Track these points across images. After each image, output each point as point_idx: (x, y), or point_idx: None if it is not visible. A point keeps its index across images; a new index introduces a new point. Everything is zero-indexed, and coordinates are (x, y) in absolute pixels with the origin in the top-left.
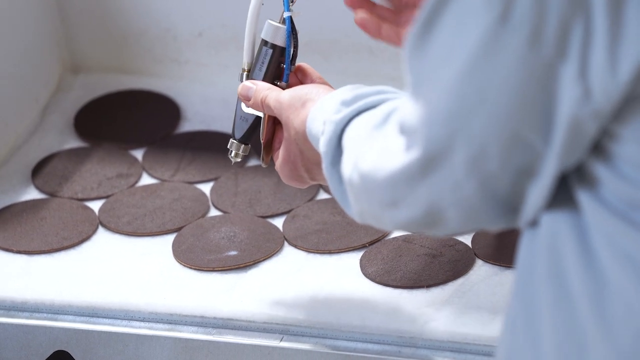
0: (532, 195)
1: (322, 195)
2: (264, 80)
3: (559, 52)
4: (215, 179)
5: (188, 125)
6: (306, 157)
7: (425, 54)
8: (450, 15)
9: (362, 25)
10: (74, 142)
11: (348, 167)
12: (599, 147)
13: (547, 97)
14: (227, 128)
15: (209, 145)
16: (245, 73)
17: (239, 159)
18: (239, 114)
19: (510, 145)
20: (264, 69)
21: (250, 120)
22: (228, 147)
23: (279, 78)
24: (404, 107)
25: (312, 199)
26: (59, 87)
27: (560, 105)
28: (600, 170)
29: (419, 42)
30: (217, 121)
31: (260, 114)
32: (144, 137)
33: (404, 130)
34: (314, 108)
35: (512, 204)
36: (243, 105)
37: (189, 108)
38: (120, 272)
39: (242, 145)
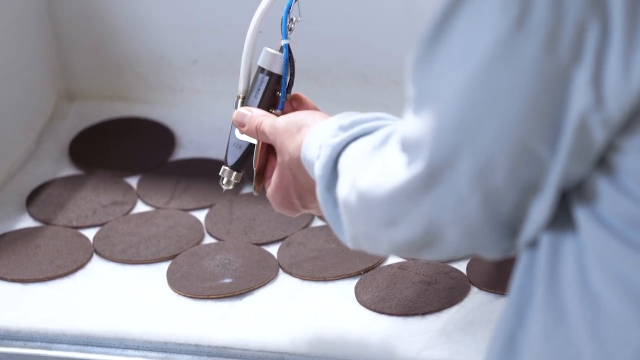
0: (534, 212)
1: (317, 223)
2: (259, 107)
3: (573, 57)
4: (210, 207)
5: (183, 152)
6: (299, 183)
7: (434, 60)
8: (463, 19)
9: None
10: (68, 170)
11: (345, 188)
12: (602, 160)
13: (558, 104)
14: (222, 155)
15: (203, 172)
16: (240, 100)
17: (230, 187)
18: (232, 141)
19: (518, 157)
20: (259, 96)
21: (244, 147)
22: (220, 174)
23: (274, 106)
24: (405, 125)
25: (306, 226)
26: (53, 114)
27: (570, 111)
28: (601, 183)
29: (427, 50)
30: (212, 148)
31: (254, 141)
32: (138, 164)
33: (405, 146)
34: (309, 133)
35: (513, 226)
36: (237, 132)
37: (183, 135)
38: (114, 300)
39: (234, 173)
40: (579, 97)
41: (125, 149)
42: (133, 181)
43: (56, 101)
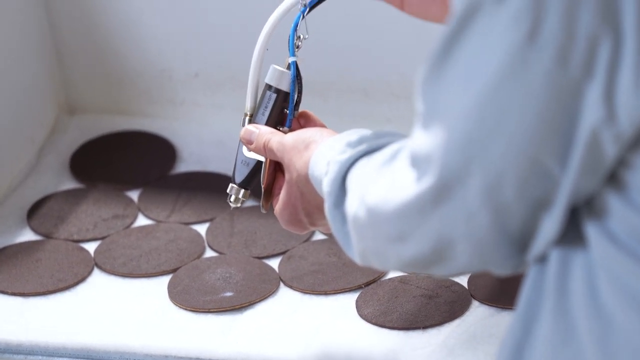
0: (544, 227)
1: (318, 236)
2: (266, 124)
3: (585, 72)
4: (210, 220)
5: (184, 166)
6: (307, 200)
7: (445, 75)
8: (475, 34)
9: None
10: (69, 183)
11: (353, 203)
12: (612, 175)
13: (569, 119)
14: (222, 169)
15: (204, 186)
16: (247, 117)
17: (238, 204)
18: (239, 158)
19: (528, 172)
20: (267, 113)
21: (252, 165)
22: (228, 191)
23: (282, 123)
24: (414, 140)
25: (307, 239)
26: (54, 128)
27: (582, 126)
28: (611, 199)
29: (437, 65)
30: (212, 162)
31: (262, 159)
32: (139, 178)
33: (415, 161)
34: (317, 150)
35: (523, 241)
36: (244, 149)
37: (184, 149)
38: (115, 313)
39: (242, 190)
40: (591, 112)
41: (126, 162)
42: (134, 194)
43: (57, 114)
